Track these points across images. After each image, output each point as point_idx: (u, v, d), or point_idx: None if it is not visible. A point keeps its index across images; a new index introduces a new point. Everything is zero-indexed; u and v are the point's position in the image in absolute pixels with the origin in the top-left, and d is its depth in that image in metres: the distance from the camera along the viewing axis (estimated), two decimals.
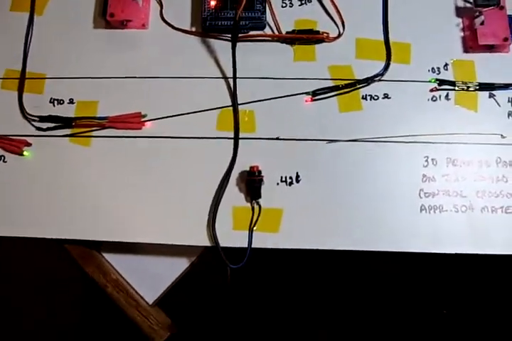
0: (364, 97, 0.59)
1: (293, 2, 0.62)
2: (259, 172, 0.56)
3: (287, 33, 0.60)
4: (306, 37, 0.60)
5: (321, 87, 0.59)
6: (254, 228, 0.56)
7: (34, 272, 0.94)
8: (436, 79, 0.59)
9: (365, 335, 0.85)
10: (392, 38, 0.60)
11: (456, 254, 0.55)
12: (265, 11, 0.60)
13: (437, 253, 0.55)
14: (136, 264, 0.61)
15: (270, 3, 0.60)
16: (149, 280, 0.60)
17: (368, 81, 0.59)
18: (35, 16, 0.64)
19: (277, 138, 0.58)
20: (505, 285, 0.84)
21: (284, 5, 0.62)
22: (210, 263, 0.58)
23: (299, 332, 0.80)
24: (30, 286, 0.93)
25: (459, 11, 0.61)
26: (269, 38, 0.60)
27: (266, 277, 0.82)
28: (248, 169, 0.57)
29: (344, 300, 0.84)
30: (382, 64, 0.60)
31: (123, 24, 0.61)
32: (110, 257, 0.61)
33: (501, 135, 0.57)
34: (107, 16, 0.60)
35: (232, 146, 0.58)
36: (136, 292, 0.60)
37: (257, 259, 0.55)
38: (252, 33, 0.61)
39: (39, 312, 0.92)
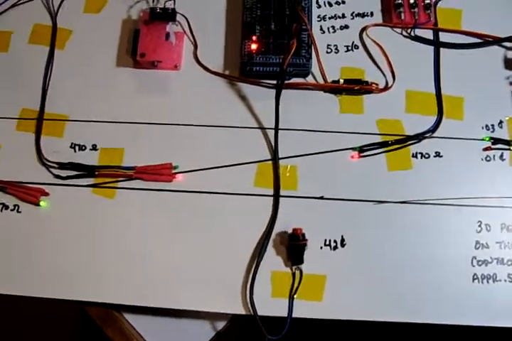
0: (414, 155, 0.55)
1: (339, 48, 0.57)
2: (303, 235, 0.52)
3: (333, 82, 0.55)
4: (353, 88, 0.55)
5: (368, 142, 0.55)
6: (295, 296, 0.51)
7: None
8: (491, 138, 0.55)
9: None
10: (443, 92, 0.56)
11: None
12: (311, 57, 0.55)
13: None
14: (159, 326, 0.55)
15: (317, 49, 0.55)
16: None
17: (420, 137, 0.55)
18: (55, 50, 0.58)
19: (321, 198, 0.53)
20: None
21: (329, 51, 0.57)
22: (243, 329, 0.54)
23: None
24: None
25: None
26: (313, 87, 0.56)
27: None
28: (288, 230, 0.53)
29: None
30: (434, 119, 0.55)
31: (153, 64, 0.56)
32: (131, 318, 0.56)
33: None
34: (137, 56, 0.55)
35: (271, 205, 0.53)
36: None
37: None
38: (294, 80, 0.56)
39: None
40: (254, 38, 0.55)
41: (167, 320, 0.56)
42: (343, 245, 0.53)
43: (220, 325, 0.56)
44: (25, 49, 0.58)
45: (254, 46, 0.55)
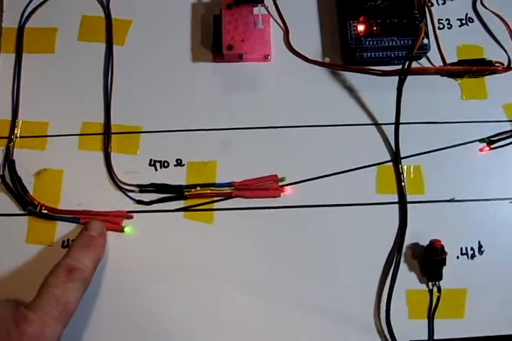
0: None
1: (451, 22, 0.49)
2: (443, 248, 0.45)
3: (453, 64, 0.47)
4: (475, 69, 0.47)
5: (496, 131, 0.48)
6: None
7: None
8: None
9: None
10: None
11: None
12: (428, 36, 0.47)
13: None
14: None
15: (434, 25, 0.47)
16: None
17: None
18: (114, 46, 0.47)
19: (452, 200, 0.47)
20: None
21: (440, 26, 0.49)
22: None
23: None
24: None
25: None
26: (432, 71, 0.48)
27: None
28: (419, 241, 0.46)
29: None
30: None
31: (240, 57, 0.46)
32: None
33: None
34: (223, 49, 0.45)
35: (397, 213, 0.46)
36: None
37: None
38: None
39: None
40: (361, 18, 0.46)
41: None
42: (480, 252, 0.46)
43: None
44: (75, 48, 0.48)
45: (361, 28, 0.46)
